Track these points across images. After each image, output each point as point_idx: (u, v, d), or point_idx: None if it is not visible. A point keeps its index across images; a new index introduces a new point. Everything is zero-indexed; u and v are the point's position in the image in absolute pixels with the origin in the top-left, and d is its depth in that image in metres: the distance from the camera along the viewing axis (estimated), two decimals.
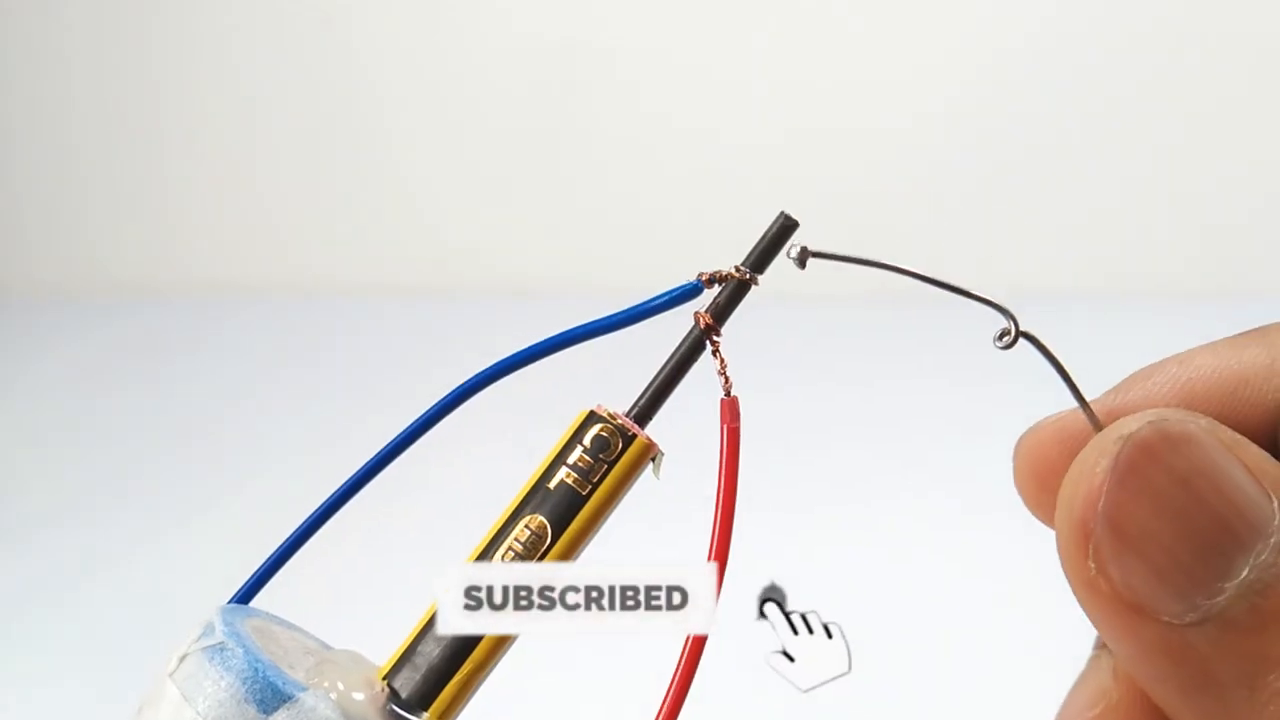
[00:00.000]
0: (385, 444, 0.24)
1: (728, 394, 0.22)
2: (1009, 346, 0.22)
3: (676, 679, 0.20)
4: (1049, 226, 1.26)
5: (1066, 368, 0.21)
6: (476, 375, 0.23)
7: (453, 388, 0.23)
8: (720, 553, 0.21)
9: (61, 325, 1.29)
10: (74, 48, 1.35)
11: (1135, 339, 1.02)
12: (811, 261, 0.22)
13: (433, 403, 0.23)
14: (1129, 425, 0.19)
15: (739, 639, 0.22)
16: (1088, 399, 0.21)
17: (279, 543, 0.24)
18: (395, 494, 0.29)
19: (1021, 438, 0.23)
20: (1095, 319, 1.11)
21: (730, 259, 0.23)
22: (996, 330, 0.22)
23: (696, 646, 0.21)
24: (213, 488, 0.94)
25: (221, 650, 0.21)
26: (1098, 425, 0.21)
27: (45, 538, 0.88)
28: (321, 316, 1.27)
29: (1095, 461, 0.19)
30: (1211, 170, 1.22)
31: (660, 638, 0.21)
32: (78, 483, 0.96)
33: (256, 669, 0.21)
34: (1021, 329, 0.21)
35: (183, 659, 0.21)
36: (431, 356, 1.10)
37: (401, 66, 1.32)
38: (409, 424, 0.24)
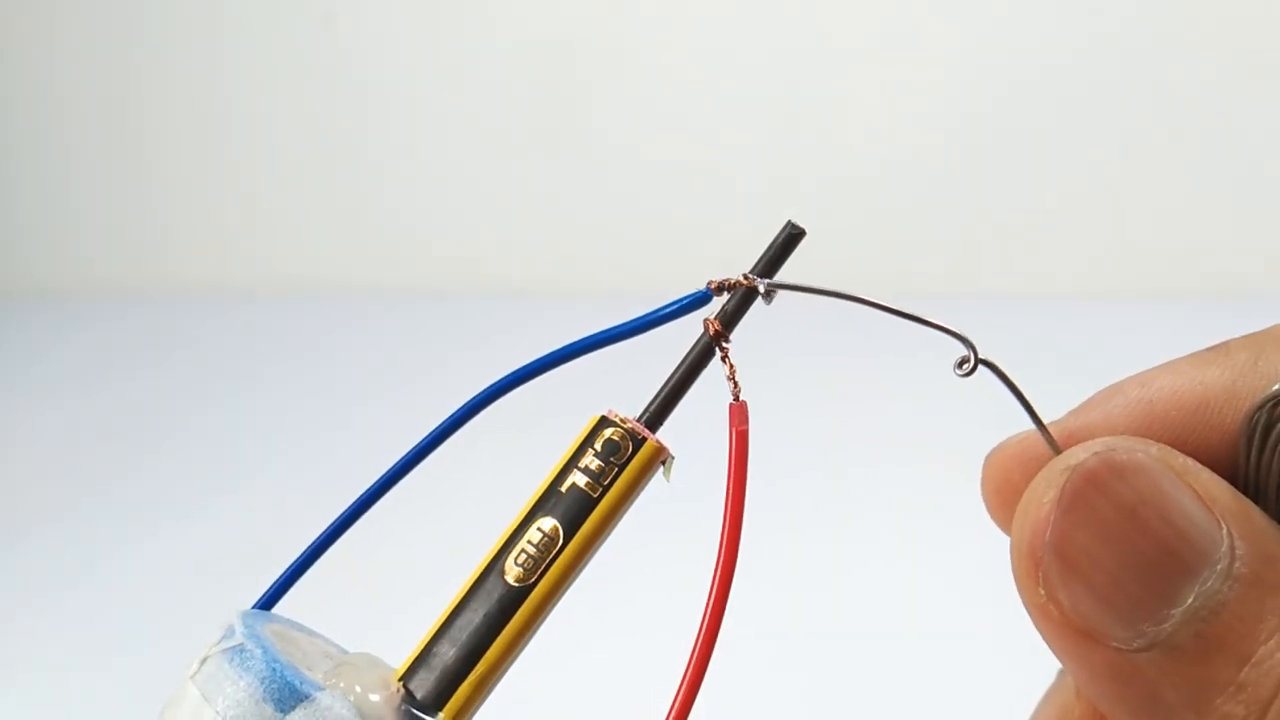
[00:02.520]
0: (404, 454, 0.24)
1: (736, 398, 0.23)
2: (969, 374, 0.22)
3: (687, 678, 0.21)
4: (1038, 226, 1.25)
5: (1025, 394, 0.21)
6: (492, 385, 0.24)
7: (459, 391, 0.24)
8: (729, 554, 0.21)
9: (60, 325, 1.29)
10: (70, 49, 1.35)
11: (1132, 339, 1.03)
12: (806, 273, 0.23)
13: (433, 404, 0.24)
14: (1076, 455, 0.20)
15: (739, 639, 0.22)
16: (1051, 419, 0.22)
17: (282, 544, 0.24)
18: (408, 500, 0.29)
19: (988, 456, 0.23)
20: (1100, 320, 1.11)
21: (738, 259, 0.23)
22: (957, 358, 0.22)
23: (707, 646, 0.21)
24: (210, 489, 0.94)
25: (241, 652, 0.21)
26: (1056, 449, 0.21)
27: (41, 538, 0.89)
28: (321, 317, 1.26)
29: (1043, 492, 0.20)
30: (1200, 172, 1.22)
31: (672, 636, 0.21)
32: (74, 484, 0.96)
33: (274, 669, 0.21)
34: (980, 357, 0.22)
35: (204, 661, 0.22)
36: (433, 359, 1.11)
37: (399, 65, 1.32)
38: (426, 434, 0.24)
